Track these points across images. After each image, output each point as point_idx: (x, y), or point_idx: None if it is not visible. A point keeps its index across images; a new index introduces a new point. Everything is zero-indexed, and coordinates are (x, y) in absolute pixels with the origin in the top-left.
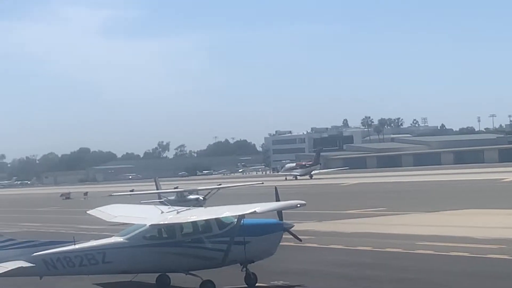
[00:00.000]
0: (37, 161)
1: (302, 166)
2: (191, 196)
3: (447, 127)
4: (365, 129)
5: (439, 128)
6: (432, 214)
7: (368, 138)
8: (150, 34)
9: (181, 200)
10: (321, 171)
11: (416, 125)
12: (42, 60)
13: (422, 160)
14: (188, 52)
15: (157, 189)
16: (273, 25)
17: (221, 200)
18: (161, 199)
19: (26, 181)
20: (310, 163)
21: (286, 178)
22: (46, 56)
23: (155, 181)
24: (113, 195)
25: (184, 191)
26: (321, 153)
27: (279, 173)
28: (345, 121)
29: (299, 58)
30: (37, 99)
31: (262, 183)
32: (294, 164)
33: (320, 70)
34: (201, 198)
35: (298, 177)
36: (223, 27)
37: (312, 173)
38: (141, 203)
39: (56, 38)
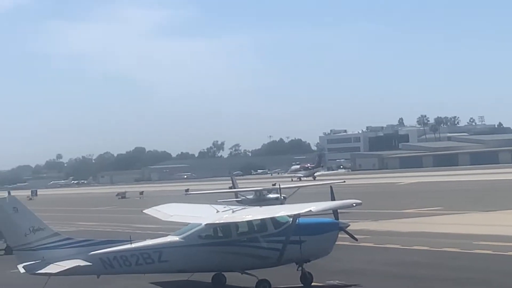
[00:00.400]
0: (93, 161)
1: (305, 168)
2: (271, 195)
3: (504, 125)
4: (421, 128)
5: (496, 126)
6: (489, 213)
7: (424, 137)
8: (204, 34)
9: (260, 199)
10: (324, 172)
11: (473, 123)
12: (99, 60)
13: (479, 159)
14: (243, 51)
15: (234, 188)
16: (327, 24)
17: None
18: (238, 197)
19: (83, 181)
20: (313, 165)
21: (292, 180)
22: (103, 56)
23: (232, 180)
24: (189, 193)
25: (264, 189)
26: (377, 152)
27: (286, 174)
28: (400, 120)
29: (354, 57)
30: (93, 99)
31: (344, 181)
32: (298, 166)
33: (376, 68)
34: (281, 197)
35: (302, 178)
36: (278, 26)
37: (314, 174)
38: (217, 202)
39: (112, 38)
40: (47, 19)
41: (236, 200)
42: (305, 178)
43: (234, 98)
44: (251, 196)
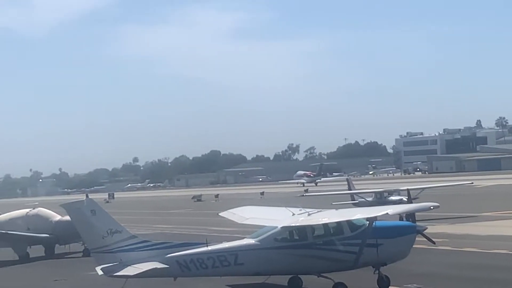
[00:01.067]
0: (169, 164)
1: (308, 176)
2: (393, 197)
3: None
4: (500, 130)
5: None
6: None
7: (502, 139)
8: (279, 36)
9: (381, 201)
10: (325, 179)
11: None
12: (174, 63)
13: None
14: (318, 53)
15: (350, 190)
16: (402, 25)
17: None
18: (354, 200)
19: (159, 184)
20: (314, 174)
21: (298, 184)
22: (178, 59)
23: (348, 182)
24: (307, 195)
25: (384, 191)
26: (455, 154)
27: (292, 180)
28: (478, 122)
29: (430, 58)
30: (169, 102)
31: (472, 182)
32: (302, 173)
33: (453, 70)
34: (404, 199)
35: (305, 184)
36: (353, 27)
37: (316, 181)
38: (333, 204)
39: (188, 41)
40: (121, 23)
41: (352, 203)
42: (307, 184)
43: (308, 101)
44: (370, 198)
